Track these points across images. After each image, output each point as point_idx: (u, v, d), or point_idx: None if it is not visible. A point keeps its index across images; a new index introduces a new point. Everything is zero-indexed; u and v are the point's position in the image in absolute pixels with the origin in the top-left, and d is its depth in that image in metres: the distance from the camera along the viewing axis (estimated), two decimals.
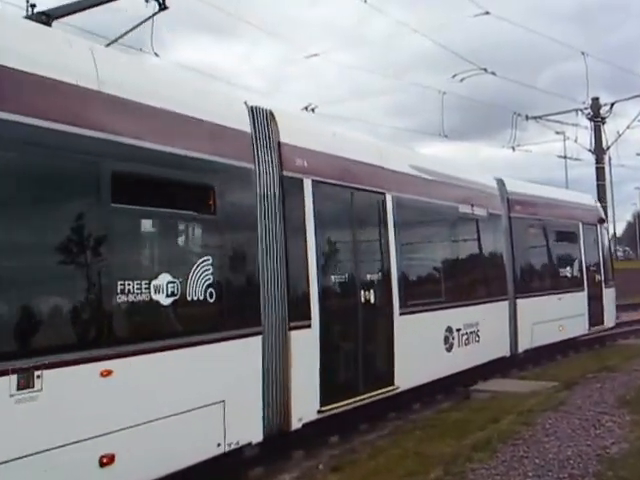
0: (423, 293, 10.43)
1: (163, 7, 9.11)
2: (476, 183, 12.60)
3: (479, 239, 12.41)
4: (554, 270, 15.19)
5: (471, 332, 11.48)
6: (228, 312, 6.61)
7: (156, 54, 9.21)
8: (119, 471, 5.33)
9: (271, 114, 7.72)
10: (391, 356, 9.23)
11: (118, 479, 5.36)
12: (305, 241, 7.81)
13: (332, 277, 8.29)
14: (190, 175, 6.44)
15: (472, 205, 12.05)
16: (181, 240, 6.84)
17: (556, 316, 14.22)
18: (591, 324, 16.07)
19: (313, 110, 16.73)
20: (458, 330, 11.09)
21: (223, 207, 6.64)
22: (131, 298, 5.57)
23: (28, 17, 8.89)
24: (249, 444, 6.87)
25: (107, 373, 5.29)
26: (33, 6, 9.19)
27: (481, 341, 11.70)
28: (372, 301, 8.92)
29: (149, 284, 5.75)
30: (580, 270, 15.99)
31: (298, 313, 7.60)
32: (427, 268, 10.80)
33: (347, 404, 8.25)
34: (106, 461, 5.22)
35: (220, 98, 7.55)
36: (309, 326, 7.72)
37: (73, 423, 5.07)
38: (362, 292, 8.74)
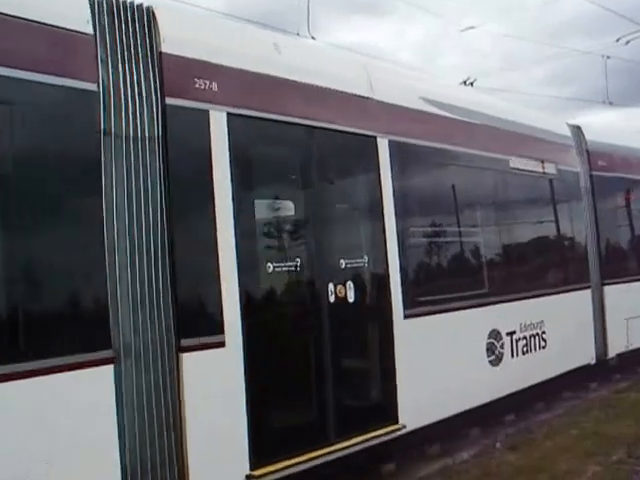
0: (447, 284, 7.21)
1: None
2: (538, 129, 9.03)
3: (543, 205, 8.99)
4: None
5: (532, 335, 8.11)
6: None
7: (313, 37, 8.39)
8: None
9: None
10: (390, 380, 6.15)
11: None
12: (213, 212, 4.89)
13: (268, 265, 5.25)
14: None
15: (531, 158, 8.64)
16: None
17: None
18: None
19: (472, 84, 14.80)
20: (511, 334, 7.77)
21: None
22: None
23: None
24: None
25: None
26: None
27: (549, 347, 8.32)
28: (351, 299, 5.84)
29: None
30: None
31: (196, 324, 4.73)
32: (455, 247, 7.46)
33: (304, 460, 5.29)
34: None
35: None
36: (221, 344, 4.81)
37: None
38: (331, 286, 5.69)
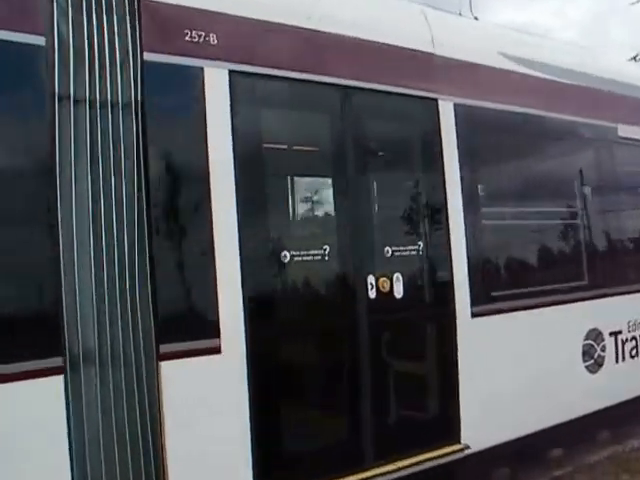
0: (532, 274, 5.93)
1: None
2: None
3: None
4: None
5: None
6: None
7: (475, 18, 7.77)
8: None
9: None
10: (451, 392, 5.05)
11: None
12: (208, 190, 3.99)
13: (284, 254, 4.23)
14: None
15: None
16: None
17: None
18: None
19: None
20: (615, 334, 6.38)
21: None
22: None
23: None
24: None
25: None
26: None
27: None
28: (398, 294, 4.79)
29: None
30: None
31: (182, 326, 3.90)
32: (543, 230, 6.12)
33: None
34: None
35: None
36: (216, 350, 3.96)
37: None
38: (370, 279, 4.67)
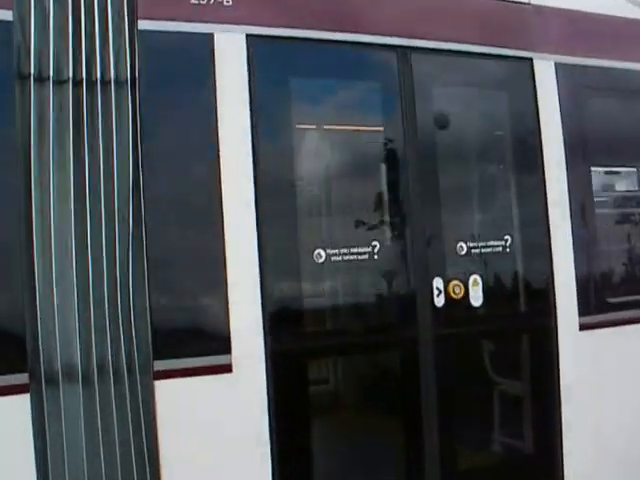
0: None
1: None
2: None
3: None
4: None
5: None
6: None
7: None
8: None
9: None
10: (550, 429, 3.97)
11: None
12: (217, 177, 3.31)
13: (318, 252, 3.43)
14: None
15: None
16: None
17: None
18: None
19: None
20: None
21: None
22: None
23: None
24: None
25: None
26: None
27: None
28: (476, 301, 3.83)
29: None
30: None
31: (182, 340, 3.25)
32: None
33: None
34: None
35: None
36: (227, 369, 3.27)
37: None
38: (437, 283, 3.73)
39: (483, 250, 3.93)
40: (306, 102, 3.75)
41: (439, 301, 3.75)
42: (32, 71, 3.00)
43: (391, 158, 3.89)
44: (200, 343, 3.24)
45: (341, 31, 3.69)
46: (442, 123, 4.02)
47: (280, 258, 3.43)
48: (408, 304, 3.73)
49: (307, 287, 3.57)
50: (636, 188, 4.55)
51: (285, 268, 3.48)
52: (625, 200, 4.61)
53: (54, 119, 3.02)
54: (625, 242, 4.53)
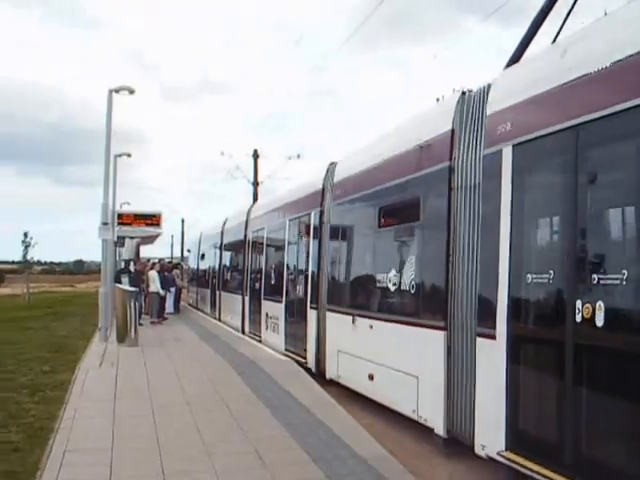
0: None
1: None
2: None
3: None
4: None
5: None
6: None
7: None
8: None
9: None
10: None
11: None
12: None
13: (528, 276, 5.30)
14: None
15: None
16: None
17: None
18: None
19: None
20: None
21: None
22: None
23: None
24: None
25: None
26: None
27: None
28: (600, 322, 4.60)
29: None
30: None
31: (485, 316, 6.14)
32: None
33: None
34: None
35: None
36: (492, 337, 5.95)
37: None
38: (579, 304, 4.90)
39: (607, 281, 4.76)
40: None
41: (578, 318, 5.02)
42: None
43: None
44: None
45: None
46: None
47: (516, 278, 5.92)
48: (561, 318, 5.26)
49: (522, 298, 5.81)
50: None
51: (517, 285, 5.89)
52: None
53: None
54: None
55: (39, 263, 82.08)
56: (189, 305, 29.78)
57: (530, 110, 5.90)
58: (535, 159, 5.83)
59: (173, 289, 23.65)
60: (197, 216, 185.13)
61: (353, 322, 9.66)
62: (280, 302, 14.24)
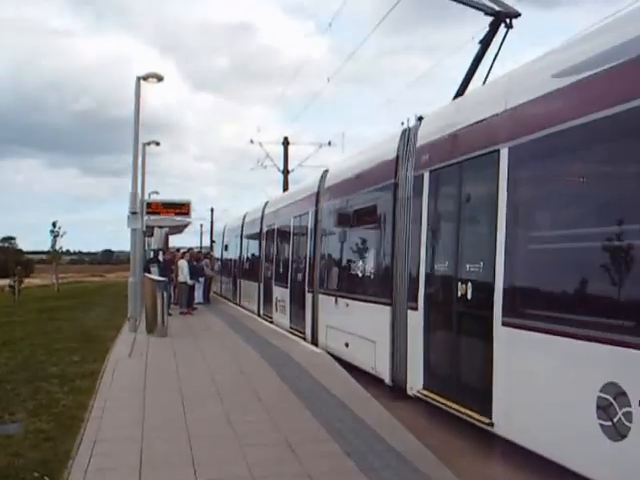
0: None
1: None
2: None
3: None
4: None
5: None
6: None
7: None
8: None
9: None
10: None
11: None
12: None
13: None
14: None
15: None
16: None
17: None
18: None
19: None
20: None
21: None
22: None
23: None
24: None
25: None
26: None
27: None
28: None
29: None
30: None
31: None
32: None
33: None
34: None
35: None
36: None
37: None
38: None
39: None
40: None
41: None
42: None
43: None
44: None
45: None
46: None
47: None
48: None
49: None
50: None
51: None
52: None
53: None
54: None
55: (68, 253, 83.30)
56: (214, 293, 29.77)
57: (437, 147, 8.50)
58: (440, 182, 8.47)
59: (202, 279, 23.59)
60: (227, 205, 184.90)
61: (335, 302, 12.27)
62: (286, 287, 16.86)
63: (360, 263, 11.34)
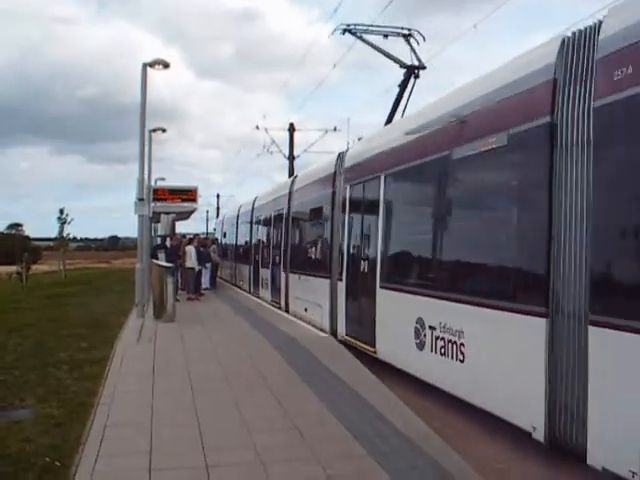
0: None
1: None
2: None
3: None
4: None
5: None
6: None
7: None
8: None
9: None
10: None
11: None
12: None
13: None
14: None
15: None
16: None
17: None
18: None
19: None
20: None
21: None
22: None
23: None
24: None
25: None
26: None
27: None
28: None
29: None
30: None
31: None
32: None
33: None
34: None
35: None
36: None
37: None
38: None
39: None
40: None
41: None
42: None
43: None
44: None
45: None
46: None
47: None
48: None
49: None
50: None
51: None
52: None
53: None
54: None
55: (74, 240, 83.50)
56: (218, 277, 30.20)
57: (352, 170, 12.46)
58: (352, 193, 12.31)
59: (209, 265, 23.67)
60: (233, 191, 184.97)
61: (299, 278, 16.14)
62: (268, 268, 20.48)
63: (312, 246, 15.46)
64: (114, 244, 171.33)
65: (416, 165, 9.24)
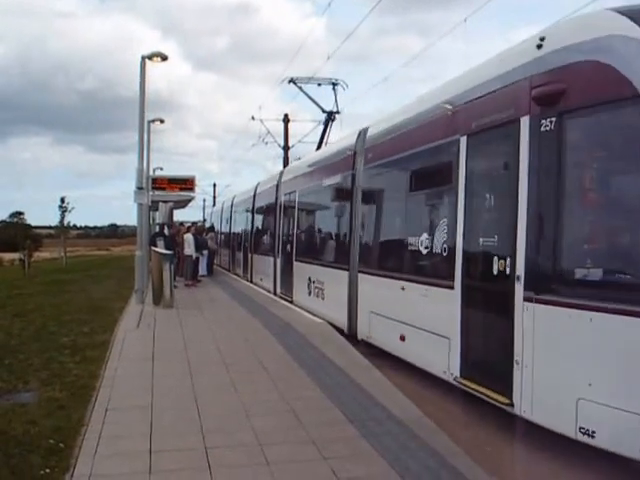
0: None
1: None
2: None
3: None
4: None
5: None
6: None
7: None
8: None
9: None
10: None
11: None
12: None
13: None
14: None
15: None
16: None
17: None
18: None
19: None
20: None
21: None
22: None
23: None
24: None
25: None
26: None
27: None
28: None
29: None
30: None
31: None
32: None
33: None
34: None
35: None
36: None
37: None
38: None
39: None
40: None
41: None
42: None
43: None
44: None
45: None
46: None
47: None
48: None
49: None
50: None
51: None
52: None
53: None
54: None
55: (75, 227, 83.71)
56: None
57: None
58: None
59: (206, 252, 23.87)
60: (229, 180, 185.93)
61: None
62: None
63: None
64: (113, 232, 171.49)
65: None
